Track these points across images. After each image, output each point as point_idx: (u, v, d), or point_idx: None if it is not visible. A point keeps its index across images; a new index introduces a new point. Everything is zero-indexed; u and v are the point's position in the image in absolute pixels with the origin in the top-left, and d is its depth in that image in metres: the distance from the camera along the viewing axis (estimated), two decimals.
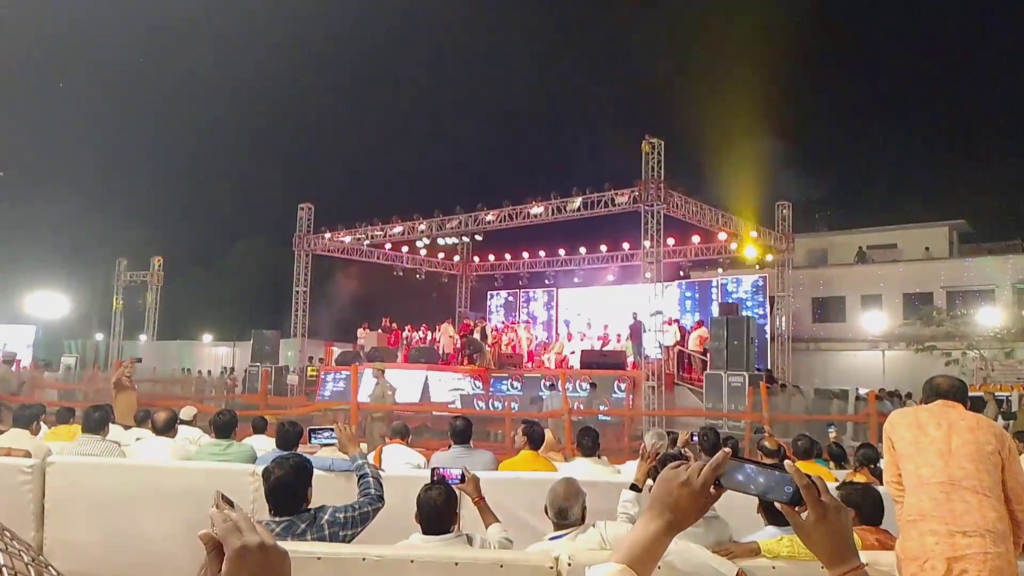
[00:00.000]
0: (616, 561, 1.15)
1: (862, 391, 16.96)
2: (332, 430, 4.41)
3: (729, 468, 1.18)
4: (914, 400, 15.70)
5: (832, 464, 7.17)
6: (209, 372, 26.75)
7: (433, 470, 3.82)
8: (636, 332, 19.40)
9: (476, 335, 21.36)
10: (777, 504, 1.21)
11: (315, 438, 4.78)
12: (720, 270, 23.57)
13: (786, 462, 1.22)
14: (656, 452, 3.79)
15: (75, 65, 44.52)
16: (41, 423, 6.08)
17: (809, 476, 1.20)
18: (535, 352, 23.13)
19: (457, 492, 3.52)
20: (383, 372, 12.67)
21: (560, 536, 3.28)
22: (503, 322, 25.15)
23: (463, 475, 3.70)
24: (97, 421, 5.33)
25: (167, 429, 5.72)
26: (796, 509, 1.19)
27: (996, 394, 15.80)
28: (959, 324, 22.00)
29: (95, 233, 39.25)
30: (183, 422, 6.46)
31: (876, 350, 24.52)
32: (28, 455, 4.89)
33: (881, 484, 3.85)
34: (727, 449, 1.22)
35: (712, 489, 1.18)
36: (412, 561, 2.87)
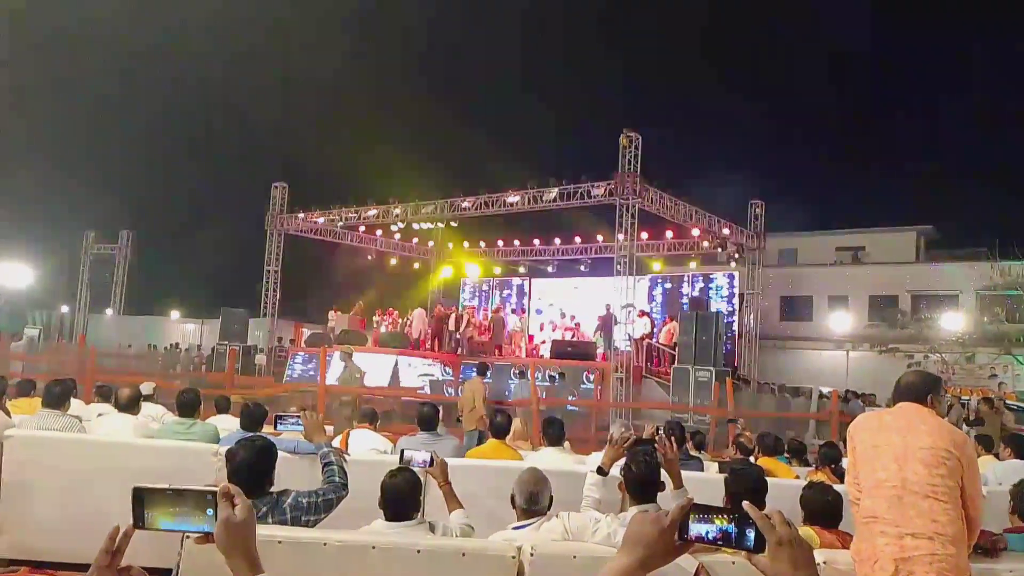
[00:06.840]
0: None
1: (825, 390, 17.20)
2: (299, 417, 4.37)
3: (695, 512, 1.26)
4: (879, 403, 15.96)
5: (795, 461, 7.27)
6: (176, 346, 26.38)
7: (403, 451, 3.81)
8: (607, 324, 19.48)
9: (451, 323, 21.28)
10: (743, 554, 1.25)
11: (281, 424, 4.73)
12: (692, 265, 23.70)
13: (744, 503, 1.26)
14: (625, 439, 3.82)
15: (44, 36, 43.42)
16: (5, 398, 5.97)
17: (766, 514, 1.25)
18: (505, 340, 23.12)
19: (422, 478, 3.52)
20: (351, 355, 12.57)
21: (524, 526, 3.28)
22: (482, 308, 25.08)
23: (432, 459, 3.70)
24: (58, 396, 5.22)
25: (130, 406, 5.62)
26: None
27: (961, 398, 16.11)
28: (923, 328, 22.38)
29: (63, 204, 38.43)
30: (145, 397, 6.36)
31: (841, 350, 24.88)
32: None
33: (842, 483, 3.91)
34: (690, 497, 1.30)
35: (678, 541, 1.25)
36: (374, 547, 2.86)
